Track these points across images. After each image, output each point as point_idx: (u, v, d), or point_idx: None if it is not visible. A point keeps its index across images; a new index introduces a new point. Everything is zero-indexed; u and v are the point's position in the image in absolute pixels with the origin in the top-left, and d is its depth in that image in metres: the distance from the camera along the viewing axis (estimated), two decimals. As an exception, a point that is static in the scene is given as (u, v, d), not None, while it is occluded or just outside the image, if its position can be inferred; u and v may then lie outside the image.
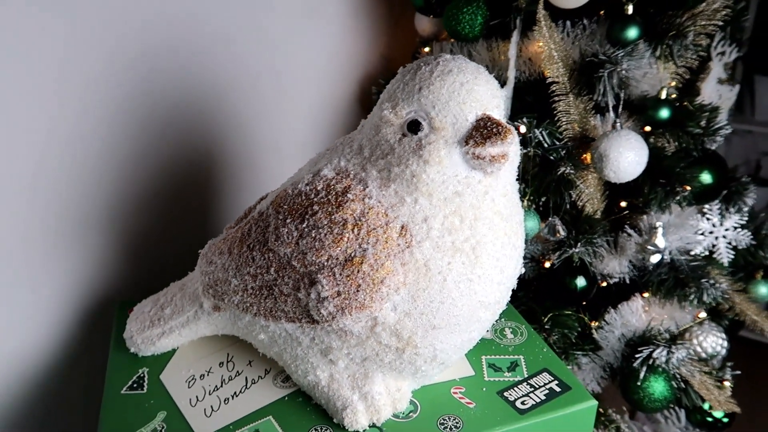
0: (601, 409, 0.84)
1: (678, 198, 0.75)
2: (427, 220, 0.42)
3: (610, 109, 0.73)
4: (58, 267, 0.66)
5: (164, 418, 0.49)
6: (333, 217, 0.42)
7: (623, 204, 0.85)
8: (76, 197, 0.66)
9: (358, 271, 0.42)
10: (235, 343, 0.57)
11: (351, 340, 0.45)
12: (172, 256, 0.76)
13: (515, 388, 0.52)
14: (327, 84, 0.95)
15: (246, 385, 0.53)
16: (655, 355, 0.72)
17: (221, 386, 0.53)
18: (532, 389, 0.52)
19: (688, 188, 0.77)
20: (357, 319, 0.43)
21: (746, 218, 0.85)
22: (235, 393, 0.52)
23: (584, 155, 0.75)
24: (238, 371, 0.55)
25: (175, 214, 0.76)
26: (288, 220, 0.44)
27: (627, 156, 0.70)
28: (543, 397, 0.51)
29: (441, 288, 0.43)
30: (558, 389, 0.52)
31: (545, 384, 0.52)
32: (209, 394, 0.52)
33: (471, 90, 0.41)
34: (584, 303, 0.79)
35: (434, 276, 0.43)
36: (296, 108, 0.90)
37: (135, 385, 0.53)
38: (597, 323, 0.80)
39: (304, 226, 0.43)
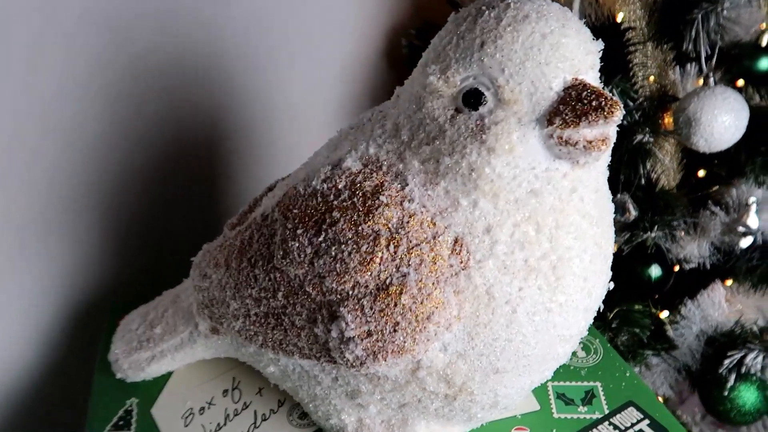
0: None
1: (781, 169, 0.61)
2: (491, 231, 0.30)
3: (702, 60, 0.58)
4: (44, 262, 0.56)
5: (154, 469, 0.40)
6: (360, 228, 0.31)
7: (701, 173, 0.71)
8: (64, 186, 0.55)
9: (396, 305, 0.30)
10: (242, 364, 0.46)
11: (386, 384, 0.34)
12: (171, 250, 0.65)
13: (594, 431, 0.41)
14: (345, 37, 0.81)
15: (255, 423, 0.43)
16: (747, 361, 0.60)
17: (225, 424, 0.43)
18: (617, 432, 0.41)
19: (790, 156, 0.63)
20: (394, 363, 0.32)
21: None
22: (241, 434, 0.42)
23: (664, 118, 0.62)
24: (245, 403, 0.44)
25: (174, 203, 0.65)
26: (299, 231, 0.32)
27: (723, 120, 0.56)
28: (633, 444, 0.40)
29: (509, 322, 0.31)
30: (651, 432, 0.40)
31: (633, 425, 0.41)
32: (210, 435, 0.42)
33: (557, 44, 0.28)
34: (657, 296, 0.66)
35: (500, 307, 0.31)
36: (309, 68, 0.77)
37: (121, 423, 0.43)
38: (671, 317, 0.68)
39: (320, 240, 0.31)
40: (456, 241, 0.30)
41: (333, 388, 0.37)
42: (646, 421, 0.41)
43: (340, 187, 0.32)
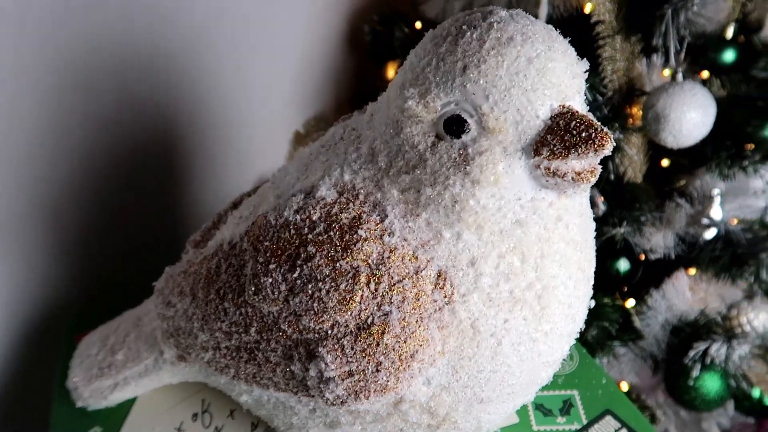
0: (634, 395, 0.74)
1: (745, 163, 0.62)
2: (476, 264, 0.29)
3: (672, 55, 0.58)
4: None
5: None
6: (338, 265, 0.29)
7: (666, 163, 0.72)
8: (17, 195, 0.51)
9: (378, 344, 0.29)
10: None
11: (366, 417, 0.33)
12: (137, 260, 0.62)
13: (574, 442, 0.41)
14: (306, 23, 0.78)
15: (228, 449, 0.41)
16: (712, 352, 0.62)
17: (196, 452, 0.41)
18: (596, 443, 0.41)
19: (752, 147, 0.64)
20: (376, 401, 0.30)
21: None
22: (214, 462, 0.40)
23: (632, 113, 0.61)
24: (216, 427, 0.43)
25: (133, 212, 0.61)
26: (272, 266, 0.30)
27: (691, 116, 0.56)
28: (611, 455, 0.40)
29: (494, 354, 0.30)
30: (629, 442, 0.41)
31: (611, 434, 0.41)
32: (181, 465, 0.40)
33: (543, 69, 0.27)
34: (625, 288, 0.67)
35: (485, 340, 0.30)
36: (269, 56, 0.74)
37: (83, 456, 0.41)
38: (637, 307, 0.69)
39: (295, 276, 0.30)
40: (439, 275, 0.29)
41: (311, 419, 0.35)
42: (624, 431, 0.41)
43: (314, 218, 0.30)
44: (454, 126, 0.28)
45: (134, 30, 0.55)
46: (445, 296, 0.29)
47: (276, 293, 0.30)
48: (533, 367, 0.32)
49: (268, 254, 0.31)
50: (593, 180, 0.27)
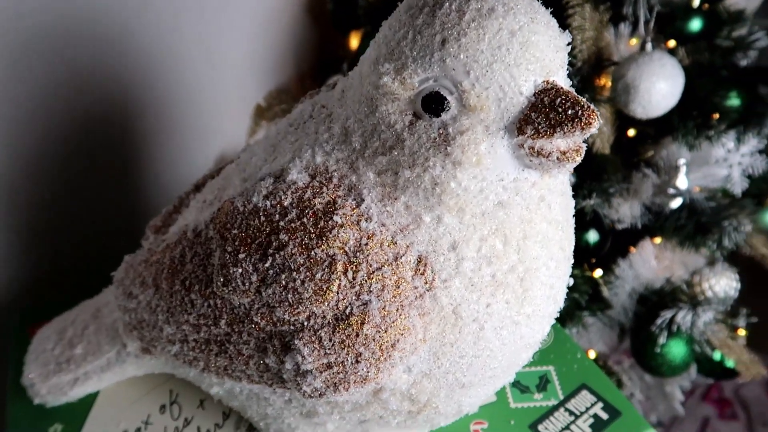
0: (601, 361, 0.76)
1: (710, 132, 0.62)
2: (457, 248, 0.28)
3: (641, 25, 0.57)
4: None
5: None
6: (313, 253, 0.27)
7: (632, 133, 0.72)
8: None
9: (357, 335, 0.27)
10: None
11: (345, 406, 0.32)
12: (91, 246, 0.58)
13: (551, 418, 0.41)
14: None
15: (200, 440, 0.40)
16: (678, 319, 0.63)
17: (166, 445, 0.39)
18: (573, 418, 0.41)
19: (717, 116, 0.64)
20: (354, 392, 0.29)
21: (765, 142, 0.73)
22: (185, 456, 0.39)
23: (602, 83, 0.61)
24: (186, 419, 0.41)
25: (89, 189, 0.57)
26: (241, 256, 0.28)
27: (660, 87, 0.56)
28: (588, 430, 0.40)
29: (476, 339, 0.29)
30: (605, 416, 0.41)
31: (587, 409, 0.41)
32: (150, 460, 0.38)
33: (526, 43, 0.25)
34: (593, 260, 0.67)
35: (467, 325, 0.29)
36: (228, 26, 0.70)
37: (44, 456, 0.39)
38: (605, 277, 0.69)
39: (267, 266, 0.28)
40: (419, 260, 0.28)
41: (286, 409, 0.34)
42: (600, 404, 0.41)
43: (285, 204, 0.28)
44: (433, 104, 0.26)
45: (87, 1, 0.51)
46: (426, 282, 0.28)
47: (247, 284, 0.28)
48: (515, 350, 0.31)
49: (236, 243, 0.29)
50: (579, 159, 0.26)
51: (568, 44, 0.28)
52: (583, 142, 0.27)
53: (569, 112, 0.25)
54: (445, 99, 0.26)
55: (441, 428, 0.39)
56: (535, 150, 0.26)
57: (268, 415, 0.36)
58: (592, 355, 0.73)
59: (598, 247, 0.65)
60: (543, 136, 0.25)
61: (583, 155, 0.26)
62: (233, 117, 0.77)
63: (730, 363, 0.73)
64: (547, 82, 0.26)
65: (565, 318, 0.67)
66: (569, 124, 0.25)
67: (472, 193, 0.27)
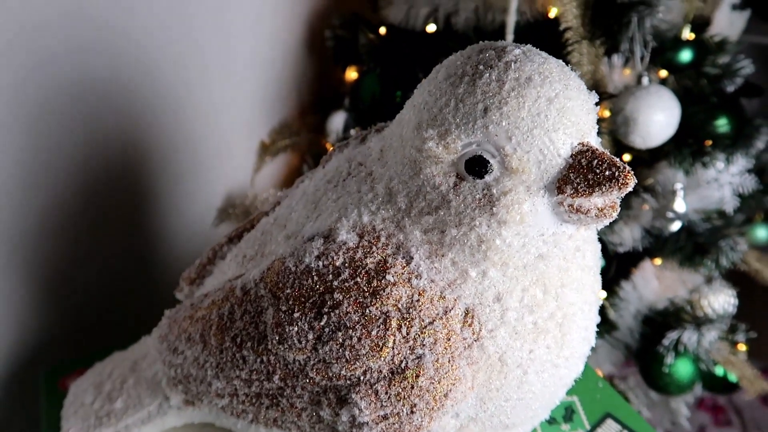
0: (608, 381, 0.78)
1: (705, 158, 0.65)
2: (501, 299, 0.29)
3: (637, 60, 0.60)
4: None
5: None
6: (368, 311, 0.29)
7: (627, 158, 0.74)
8: None
9: (413, 387, 0.29)
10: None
11: (394, 451, 0.33)
12: (108, 295, 0.59)
13: (580, 448, 0.42)
14: (265, 28, 0.76)
15: (241, 489, 0.40)
16: (684, 339, 0.65)
17: (208, 495, 0.40)
18: (601, 447, 0.42)
19: (710, 143, 0.67)
20: (408, 438, 0.31)
21: (753, 162, 0.77)
22: (229, 505, 0.39)
23: (600, 115, 0.63)
24: (226, 466, 0.42)
25: (102, 238, 0.58)
26: (296, 315, 0.30)
27: (658, 118, 0.58)
28: (616, 458, 0.42)
29: (520, 384, 0.31)
30: (631, 443, 0.43)
31: (614, 437, 0.43)
32: None
33: (563, 109, 0.27)
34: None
35: (512, 371, 0.30)
36: (229, 63, 0.71)
37: None
38: (610, 300, 0.71)
39: (322, 324, 0.29)
40: (467, 312, 0.29)
41: (333, 456, 0.35)
42: (625, 433, 0.43)
43: (338, 264, 0.29)
44: (477, 166, 0.28)
45: (99, 45, 0.52)
46: (474, 333, 0.29)
47: (303, 342, 0.30)
48: (554, 390, 0.33)
49: (290, 302, 0.30)
50: (615, 215, 0.28)
51: (597, 104, 0.30)
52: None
53: (607, 173, 0.27)
54: (488, 162, 0.28)
55: (476, 464, 0.41)
56: (575, 208, 0.28)
57: (313, 462, 0.37)
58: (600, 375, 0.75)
59: (604, 272, 0.67)
60: (582, 195, 0.27)
61: (618, 211, 0.28)
62: (238, 155, 0.79)
63: (732, 377, 0.76)
64: (583, 144, 0.28)
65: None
66: (608, 184, 0.27)
67: (515, 248, 0.29)
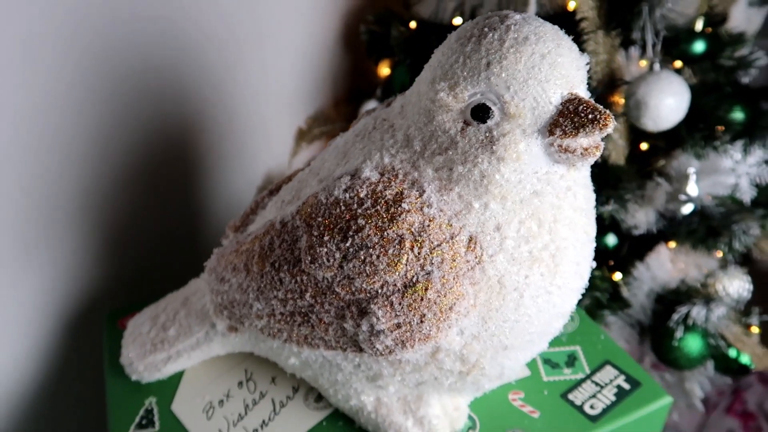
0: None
1: (716, 143, 0.68)
2: (500, 229, 0.34)
3: (649, 47, 0.64)
4: (27, 274, 0.56)
5: (186, 462, 0.42)
6: (386, 233, 0.34)
7: (645, 146, 0.78)
8: (41, 189, 0.55)
9: (422, 299, 0.34)
10: (250, 356, 0.49)
11: (406, 367, 0.38)
12: (161, 252, 0.66)
13: (579, 389, 0.47)
14: (305, 27, 0.82)
15: (274, 409, 0.46)
16: (693, 314, 0.68)
17: (246, 414, 0.46)
18: (599, 388, 0.46)
19: (722, 129, 0.70)
20: (419, 349, 0.36)
21: (771, 152, 0.79)
22: (264, 422, 0.45)
23: (615, 101, 0.67)
24: (261, 392, 0.47)
25: (157, 203, 0.65)
26: (326, 238, 0.35)
27: (668, 102, 0.62)
28: (612, 398, 0.46)
29: (517, 306, 0.36)
30: (627, 386, 0.46)
31: (611, 381, 0.47)
32: (234, 426, 0.45)
33: (554, 63, 0.32)
34: (612, 261, 0.73)
35: (509, 293, 0.35)
36: (272, 61, 0.78)
37: (144, 422, 0.45)
38: (624, 279, 0.75)
39: (348, 245, 0.35)
40: (470, 239, 0.34)
41: (354, 374, 0.40)
42: (622, 377, 0.47)
43: (362, 195, 0.35)
44: (480, 113, 0.33)
45: (138, 35, 0.59)
46: (476, 257, 0.34)
47: (331, 261, 0.35)
48: (548, 317, 0.37)
49: (321, 228, 0.36)
50: (598, 154, 0.33)
51: (587, 64, 0.35)
52: (601, 140, 0.33)
53: (590, 116, 0.31)
54: (490, 109, 0.33)
55: (484, 396, 0.45)
56: (563, 147, 0.32)
57: (337, 381, 0.42)
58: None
59: (616, 250, 0.71)
60: (569, 136, 0.32)
61: (601, 151, 0.33)
62: (278, 138, 0.85)
63: (744, 360, 0.78)
64: (571, 94, 0.33)
65: (589, 316, 0.72)
66: (590, 126, 0.31)
67: (512, 184, 0.33)
